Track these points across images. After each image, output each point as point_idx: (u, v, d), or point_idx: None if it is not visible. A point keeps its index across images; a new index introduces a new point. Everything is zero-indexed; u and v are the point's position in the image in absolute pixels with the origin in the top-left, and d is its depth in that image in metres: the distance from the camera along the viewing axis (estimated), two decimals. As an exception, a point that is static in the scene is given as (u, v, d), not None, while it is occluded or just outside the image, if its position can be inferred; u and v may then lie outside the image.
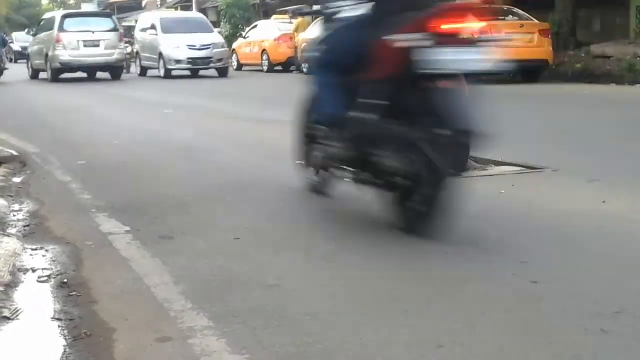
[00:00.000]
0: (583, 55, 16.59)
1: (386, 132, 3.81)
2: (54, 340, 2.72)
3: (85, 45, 18.93)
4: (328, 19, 4.51)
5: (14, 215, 4.67)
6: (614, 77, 14.40)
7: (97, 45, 19.21)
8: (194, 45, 20.66)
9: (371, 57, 3.85)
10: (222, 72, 21.20)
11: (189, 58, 20.62)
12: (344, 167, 4.30)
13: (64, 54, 19.01)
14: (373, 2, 3.99)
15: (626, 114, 9.61)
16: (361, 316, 2.80)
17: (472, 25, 3.62)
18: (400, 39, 3.66)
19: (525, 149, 6.60)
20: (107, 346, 2.63)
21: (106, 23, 20.10)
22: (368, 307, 2.90)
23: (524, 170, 5.66)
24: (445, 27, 3.56)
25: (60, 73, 19.52)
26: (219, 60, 21.07)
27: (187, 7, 38.88)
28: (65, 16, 20.18)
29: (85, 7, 60.82)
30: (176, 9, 41.59)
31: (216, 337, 2.63)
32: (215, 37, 21.87)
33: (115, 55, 19.49)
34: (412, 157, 3.67)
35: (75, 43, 18.76)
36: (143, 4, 49.71)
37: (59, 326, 2.84)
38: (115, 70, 19.93)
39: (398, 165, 3.75)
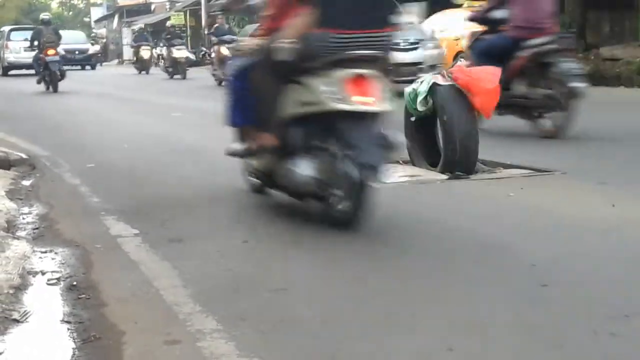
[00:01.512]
0: (592, 57, 16.53)
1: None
2: (63, 343, 2.72)
3: (25, 50, 23.02)
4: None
5: (23, 218, 4.69)
6: (624, 79, 14.34)
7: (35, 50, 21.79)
8: None
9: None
10: None
11: None
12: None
13: (10, 57, 26.93)
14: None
15: (635, 116, 9.56)
16: (370, 320, 2.80)
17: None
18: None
19: (533, 151, 6.59)
20: (117, 349, 2.63)
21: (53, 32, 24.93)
22: (377, 311, 2.89)
23: (533, 173, 5.65)
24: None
25: (9, 70, 27.14)
26: None
27: (196, 12, 38.95)
28: (11, 30, 28.46)
29: (94, 11, 61.17)
30: (185, 12, 41.69)
31: (225, 340, 2.63)
32: None
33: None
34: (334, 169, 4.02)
35: (17, 49, 24.91)
36: (152, 7, 49.88)
37: (68, 329, 2.85)
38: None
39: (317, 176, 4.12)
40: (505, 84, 6.58)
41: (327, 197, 4.09)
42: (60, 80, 16.75)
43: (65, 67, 17.63)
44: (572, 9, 17.75)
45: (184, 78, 22.13)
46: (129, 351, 2.61)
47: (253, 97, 4.37)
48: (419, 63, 13.02)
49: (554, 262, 3.45)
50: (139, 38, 29.65)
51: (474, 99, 5.52)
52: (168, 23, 31.19)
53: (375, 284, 3.22)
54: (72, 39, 35.30)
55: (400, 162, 6.15)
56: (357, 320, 2.79)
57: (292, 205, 4.79)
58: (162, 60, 28.99)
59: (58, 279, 3.45)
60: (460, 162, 5.51)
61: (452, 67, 5.94)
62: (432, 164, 5.82)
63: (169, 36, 24.39)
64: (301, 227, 4.30)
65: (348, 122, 3.90)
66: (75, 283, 3.37)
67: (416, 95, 5.71)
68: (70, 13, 73.88)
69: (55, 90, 16.63)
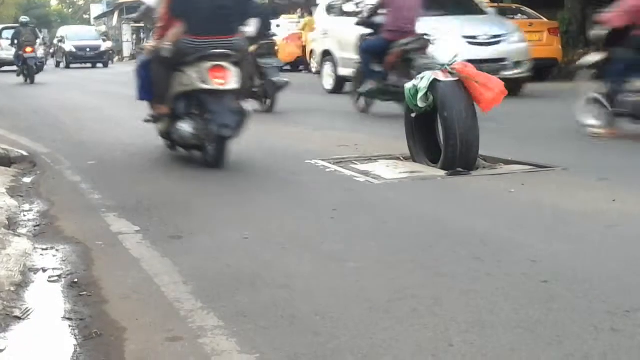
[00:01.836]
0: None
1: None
2: (65, 340, 2.73)
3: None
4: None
5: (24, 216, 4.69)
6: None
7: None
8: None
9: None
10: None
11: None
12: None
13: (1, 54, 28.10)
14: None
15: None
16: (371, 315, 2.80)
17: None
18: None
19: (534, 147, 6.60)
20: (118, 346, 2.64)
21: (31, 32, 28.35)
22: (378, 307, 2.89)
23: (534, 169, 5.65)
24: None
25: (1, 66, 28.35)
26: None
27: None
28: (3, 29, 29.60)
29: (94, 8, 61.10)
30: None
31: (226, 337, 2.64)
32: None
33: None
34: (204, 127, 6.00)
35: (9, 47, 24.35)
36: (152, 4, 49.70)
37: (69, 326, 2.85)
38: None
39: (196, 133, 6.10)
40: (384, 76, 9.02)
41: (203, 147, 6.09)
42: (37, 73, 19.55)
43: (75, 65, 18.37)
44: (572, 5, 17.71)
45: None
46: (130, 348, 2.62)
47: (153, 81, 6.46)
48: (503, 59, 11.89)
49: (554, 258, 3.46)
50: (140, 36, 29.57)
51: (484, 92, 5.50)
52: None
53: (375, 279, 3.23)
54: (82, 35, 34.49)
55: (401, 158, 6.16)
56: (357, 316, 2.79)
57: (292, 201, 4.80)
58: None
59: (59, 276, 3.46)
60: (460, 158, 5.51)
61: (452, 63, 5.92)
62: (433, 160, 5.82)
63: None
64: (301, 222, 4.30)
65: (211, 96, 5.94)
66: (76, 280, 3.38)
67: (417, 92, 5.71)
68: (70, 10, 73.87)
69: (32, 82, 19.27)
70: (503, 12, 15.67)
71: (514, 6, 16.61)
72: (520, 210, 4.43)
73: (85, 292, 3.21)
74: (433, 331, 2.63)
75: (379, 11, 9.31)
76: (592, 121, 7.30)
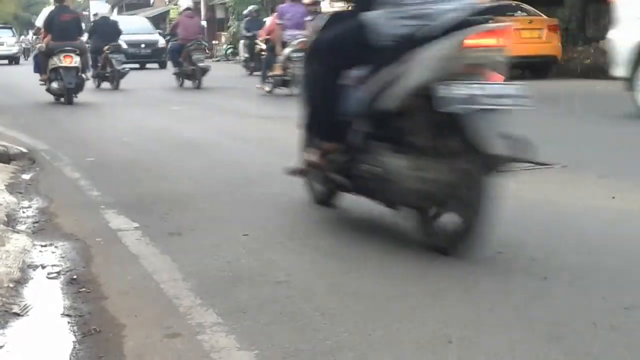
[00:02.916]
0: (592, 51, 16.51)
1: None
2: (64, 337, 2.73)
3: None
4: None
5: (23, 212, 4.69)
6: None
7: (2, 44, 33.69)
8: None
9: None
10: None
11: None
12: None
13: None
14: None
15: (635, 109, 9.55)
16: (370, 313, 2.80)
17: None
18: None
19: (534, 145, 6.58)
20: (117, 342, 2.64)
21: (7, 31, 34.64)
22: (377, 304, 2.89)
23: (533, 166, 5.63)
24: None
25: None
26: None
27: (196, 5, 38.84)
28: None
29: (94, 4, 60.99)
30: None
31: (225, 333, 2.64)
32: None
33: (13, 50, 34.14)
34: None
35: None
36: (151, 1, 49.77)
37: (68, 322, 2.85)
38: (14, 59, 33.56)
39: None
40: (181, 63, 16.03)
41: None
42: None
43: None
44: (571, 3, 17.71)
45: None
46: (129, 344, 2.61)
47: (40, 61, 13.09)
48: None
49: (553, 255, 3.46)
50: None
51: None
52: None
53: (374, 276, 3.22)
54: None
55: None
56: (357, 313, 2.79)
57: (292, 198, 4.78)
58: None
59: (58, 272, 3.45)
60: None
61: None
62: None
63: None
64: (301, 219, 4.30)
65: (63, 70, 12.36)
66: (75, 276, 3.37)
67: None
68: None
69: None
70: (502, 9, 15.68)
71: (513, 3, 16.58)
72: (520, 207, 4.42)
73: (84, 289, 3.20)
74: (432, 328, 2.63)
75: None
76: None
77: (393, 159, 3.53)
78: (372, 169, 3.68)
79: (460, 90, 3.21)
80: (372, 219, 4.20)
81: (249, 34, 19.87)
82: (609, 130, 7.65)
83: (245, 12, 22.15)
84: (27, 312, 2.97)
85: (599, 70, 14.91)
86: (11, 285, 3.19)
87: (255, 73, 17.82)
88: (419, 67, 3.32)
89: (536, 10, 15.74)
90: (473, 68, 3.38)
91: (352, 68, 3.78)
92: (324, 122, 3.99)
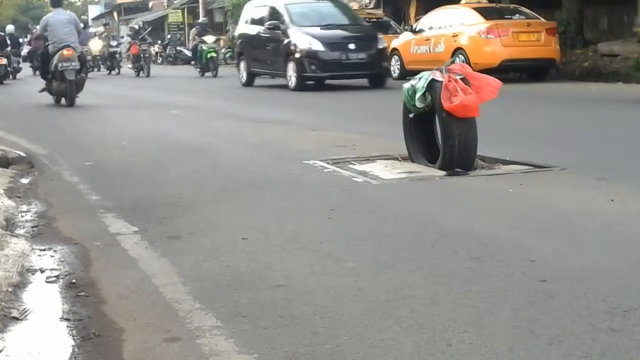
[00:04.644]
0: (590, 54, 16.53)
1: None
2: (63, 341, 2.72)
3: None
4: None
5: (22, 216, 4.69)
6: (622, 75, 14.32)
7: None
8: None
9: None
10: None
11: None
12: None
13: None
14: None
15: (633, 112, 9.57)
16: (369, 316, 2.80)
17: None
18: None
19: (533, 148, 6.59)
20: (116, 346, 2.64)
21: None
22: (376, 307, 2.89)
23: (532, 169, 5.65)
24: None
25: None
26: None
27: (194, 8, 38.93)
28: None
29: (92, 9, 61.08)
30: (183, 10, 41.63)
31: (224, 337, 2.64)
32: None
33: None
34: None
35: None
36: (150, 5, 49.81)
37: (67, 326, 2.85)
38: None
39: None
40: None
41: None
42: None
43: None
44: (569, 5, 17.73)
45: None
46: (128, 348, 2.61)
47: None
48: None
49: (553, 257, 3.46)
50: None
51: (479, 90, 5.47)
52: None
53: (374, 279, 3.22)
54: None
55: (399, 158, 6.16)
56: (356, 317, 2.79)
57: (291, 202, 4.79)
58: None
59: (57, 276, 3.45)
60: (459, 159, 5.50)
61: (450, 64, 5.92)
62: (431, 161, 5.81)
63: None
64: (300, 223, 4.30)
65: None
66: (74, 280, 3.37)
67: (414, 92, 5.70)
68: (68, 10, 73.80)
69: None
70: (501, 12, 15.70)
71: (511, 6, 16.60)
72: (519, 210, 4.43)
73: (83, 293, 3.20)
74: (431, 331, 2.63)
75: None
76: None
77: None
78: None
79: None
80: (370, 223, 4.20)
81: None
82: (608, 133, 7.66)
83: None
84: (26, 316, 2.96)
85: (598, 73, 14.94)
86: (10, 289, 3.18)
87: None
88: None
89: (534, 13, 15.75)
90: None
91: None
92: None
